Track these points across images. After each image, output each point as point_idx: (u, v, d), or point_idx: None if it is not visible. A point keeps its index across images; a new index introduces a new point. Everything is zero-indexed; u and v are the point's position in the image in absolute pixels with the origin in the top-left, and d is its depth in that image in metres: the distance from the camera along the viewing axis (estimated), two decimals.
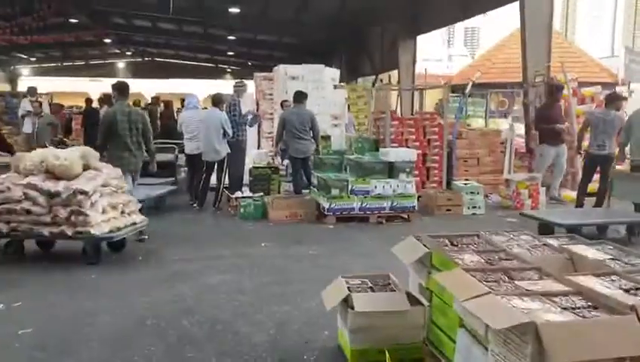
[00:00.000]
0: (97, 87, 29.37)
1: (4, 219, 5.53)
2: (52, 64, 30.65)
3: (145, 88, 32.02)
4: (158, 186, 8.98)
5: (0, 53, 26.38)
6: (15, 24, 19.67)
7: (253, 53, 26.78)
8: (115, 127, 6.56)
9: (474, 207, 8.49)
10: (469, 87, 10.48)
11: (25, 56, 28.27)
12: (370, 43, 20.08)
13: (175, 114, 19.79)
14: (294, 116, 8.78)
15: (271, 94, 11.66)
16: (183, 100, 12.10)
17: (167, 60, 31.44)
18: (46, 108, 11.99)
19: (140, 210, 6.25)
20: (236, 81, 9.71)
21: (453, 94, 17.55)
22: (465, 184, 8.77)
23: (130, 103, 7.34)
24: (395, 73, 18.20)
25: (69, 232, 5.45)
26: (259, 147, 11.76)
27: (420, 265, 3.21)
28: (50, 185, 5.48)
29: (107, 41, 25.23)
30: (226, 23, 20.35)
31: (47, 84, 31.08)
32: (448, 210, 8.36)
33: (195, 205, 8.93)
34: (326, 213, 7.86)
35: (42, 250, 6.11)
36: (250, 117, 9.30)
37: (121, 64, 32.96)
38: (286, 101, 10.10)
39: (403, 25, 16.51)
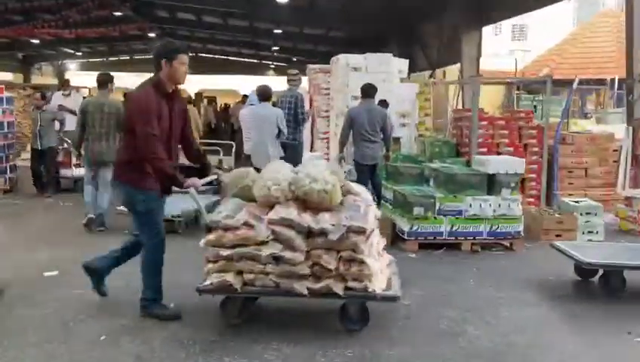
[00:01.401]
0: (140, 82, 28.12)
1: (234, 269, 3.70)
2: (98, 59, 29.53)
3: (187, 84, 30.70)
4: (199, 197, 7.23)
5: (47, 48, 25.39)
6: (60, 17, 18.51)
7: (298, 48, 24.93)
8: (85, 118, 6.54)
9: (590, 232, 6.45)
10: (575, 83, 8.34)
11: (72, 51, 27.16)
12: (425, 35, 17.96)
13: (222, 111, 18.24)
14: (364, 114, 6.89)
15: (327, 88, 9.78)
16: (245, 96, 10.56)
17: (211, 56, 29.88)
18: (75, 104, 10.34)
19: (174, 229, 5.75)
20: (289, 71, 7.88)
21: (519, 91, 15.33)
22: (576, 202, 6.70)
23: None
24: (450, 69, 16.15)
25: (338, 289, 3.58)
26: (311, 149, 9.93)
27: None
28: (310, 221, 3.62)
29: (151, 35, 23.82)
30: (273, 15, 18.56)
31: (92, 79, 30.12)
32: (558, 235, 6.32)
33: None
34: (406, 237, 5.96)
35: (247, 303, 4.02)
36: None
37: None
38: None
39: (467, 15, 14.34)
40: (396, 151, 7.94)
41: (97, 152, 6.50)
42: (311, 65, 10.30)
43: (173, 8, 20.01)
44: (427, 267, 5.45)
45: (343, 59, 8.94)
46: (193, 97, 21.85)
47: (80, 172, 9.14)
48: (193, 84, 29.44)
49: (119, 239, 6.17)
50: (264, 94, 7.10)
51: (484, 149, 7.38)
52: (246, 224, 3.66)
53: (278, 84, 31.57)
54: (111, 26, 20.81)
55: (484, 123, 7.58)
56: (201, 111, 20.48)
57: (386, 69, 8.77)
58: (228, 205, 3.97)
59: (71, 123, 10.23)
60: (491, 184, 5.98)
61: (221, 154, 8.16)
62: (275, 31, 21.13)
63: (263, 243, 3.62)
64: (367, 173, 6.99)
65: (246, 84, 29.82)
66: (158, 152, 3.77)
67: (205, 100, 24.70)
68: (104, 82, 6.75)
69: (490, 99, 15.84)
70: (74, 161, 9.38)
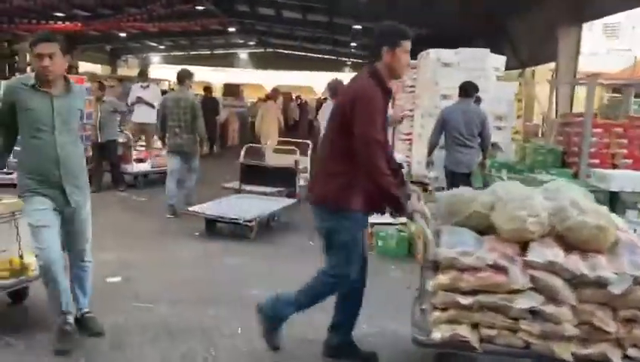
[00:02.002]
0: (220, 76, 28.29)
1: (471, 320, 2.82)
2: (180, 53, 29.95)
3: (265, 80, 30.56)
4: (271, 200, 6.67)
5: (133, 41, 25.96)
6: (145, 11, 18.74)
7: None
8: (165, 112, 6.89)
9: None
10: None
11: (155, 44, 27.65)
12: (515, 31, 16.60)
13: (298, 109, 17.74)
14: (459, 115, 6.03)
15: (412, 86, 8.93)
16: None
17: (288, 52, 29.56)
18: (155, 96, 10.07)
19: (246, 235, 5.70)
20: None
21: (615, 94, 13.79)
22: None
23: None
24: (539, 68, 14.79)
25: (615, 357, 2.67)
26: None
27: None
28: (583, 266, 2.72)
29: (231, 30, 23.76)
30: (353, 10, 17.85)
31: (173, 72, 30.63)
32: None
33: None
34: None
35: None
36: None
37: (243, 55, 31.61)
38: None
39: (565, 9, 12.95)
40: (491, 158, 7.00)
41: (179, 143, 6.82)
42: None
43: (253, 3, 19.75)
44: None
45: (433, 54, 8.08)
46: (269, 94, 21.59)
47: (140, 167, 9.05)
48: (271, 80, 29.32)
49: (194, 244, 5.81)
50: (336, 89, 6.40)
51: (597, 160, 6.32)
52: (494, 266, 2.76)
53: None
54: (192, 20, 20.93)
55: (599, 130, 6.49)
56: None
57: (481, 66, 7.82)
58: (454, 236, 3.01)
59: (148, 115, 10.05)
60: (613, 203, 4.97)
61: (298, 153, 7.53)
62: (355, 26, 20.41)
63: (516, 291, 2.74)
64: (458, 183, 6.11)
65: (321, 80, 29.32)
66: (382, 165, 2.94)
67: (281, 97, 24.27)
68: (182, 78, 7.02)
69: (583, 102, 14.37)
70: (134, 155, 9.12)
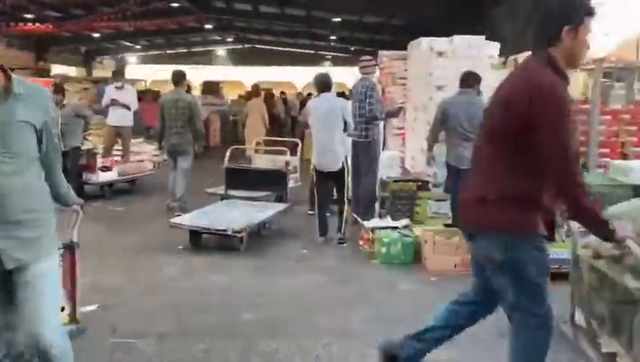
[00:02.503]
0: (197, 74, 27.44)
1: None
2: (156, 52, 29.00)
3: (244, 76, 29.78)
4: (261, 206, 6.08)
5: (108, 41, 25.01)
6: (119, 10, 17.88)
7: (356, 38, 23.47)
8: (163, 113, 6.89)
9: None
10: None
11: (131, 44, 26.69)
12: (498, 21, 16.15)
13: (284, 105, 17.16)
14: (462, 107, 5.51)
15: (404, 78, 8.38)
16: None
17: (267, 47, 28.83)
18: (130, 98, 9.38)
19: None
20: (362, 58, 6.55)
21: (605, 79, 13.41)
22: None
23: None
24: (524, 55, 14.32)
25: None
26: (383, 147, 8.57)
27: None
28: None
29: (208, 27, 22.96)
30: (332, 2, 17.22)
31: (149, 72, 29.66)
32: None
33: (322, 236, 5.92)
34: None
35: None
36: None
37: (221, 51, 30.77)
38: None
39: None
40: None
41: (173, 144, 6.86)
42: (384, 52, 8.91)
43: None
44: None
45: (425, 43, 7.53)
46: (249, 90, 20.87)
47: (106, 176, 8.07)
48: (250, 76, 28.57)
49: (177, 260, 5.21)
50: (323, 84, 5.83)
51: (606, 150, 5.86)
52: None
53: (334, 75, 30.39)
54: (168, 18, 20.16)
55: (607, 117, 6.02)
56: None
57: (476, 54, 7.30)
58: None
59: (123, 118, 9.35)
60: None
61: (288, 155, 6.96)
62: (334, 19, 19.80)
63: None
64: (460, 179, 5.61)
65: (301, 75, 28.65)
66: (583, 183, 2.31)
67: (263, 93, 23.57)
68: (177, 79, 7.03)
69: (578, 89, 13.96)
70: (100, 162, 8.14)
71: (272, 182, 6.40)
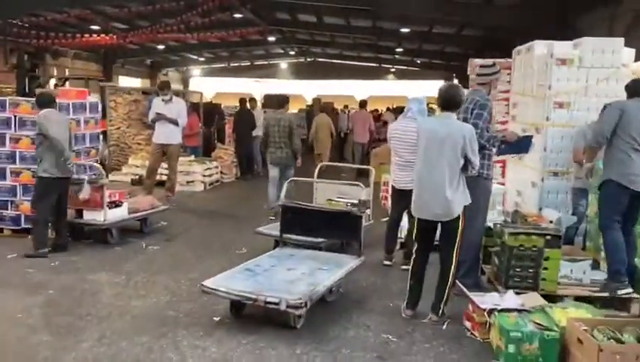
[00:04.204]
0: (261, 87, 26.33)
1: None
2: (220, 65, 28.10)
3: (304, 90, 28.37)
4: (328, 258, 4.36)
5: (173, 54, 24.31)
6: (181, 20, 16.86)
7: (423, 50, 21.52)
8: (267, 130, 7.42)
9: None
10: None
11: (195, 57, 25.90)
12: (588, 28, 13.77)
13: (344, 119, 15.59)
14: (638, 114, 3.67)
15: (506, 92, 6.46)
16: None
17: (329, 60, 27.29)
18: (178, 112, 7.91)
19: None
20: (483, 62, 4.74)
21: None
22: None
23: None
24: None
25: None
26: None
27: None
28: None
29: (271, 39, 21.71)
30: (401, 9, 15.38)
31: (212, 85, 28.82)
32: None
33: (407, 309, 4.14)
34: None
35: None
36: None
37: (283, 65, 29.52)
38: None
39: None
40: None
41: (278, 157, 7.32)
42: (476, 60, 7.02)
43: (294, 9, 17.58)
44: None
45: (540, 49, 5.58)
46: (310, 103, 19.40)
47: (116, 214, 5.89)
48: (311, 90, 27.13)
49: (210, 343, 3.68)
50: (447, 100, 3.98)
51: None
52: None
53: (398, 88, 28.42)
54: (231, 30, 19.05)
55: None
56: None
57: (611, 62, 5.31)
58: None
59: (170, 135, 7.91)
60: None
61: (362, 189, 5.19)
62: (402, 30, 17.97)
63: None
64: (626, 205, 3.84)
65: (363, 88, 26.89)
66: None
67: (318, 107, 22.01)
68: (282, 103, 7.56)
69: None
70: (107, 196, 5.76)
71: (341, 226, 4.62)
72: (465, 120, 4.28)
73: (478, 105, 4.36)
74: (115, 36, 17.87)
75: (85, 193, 5.49)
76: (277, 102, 7.78)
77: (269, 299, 3.64)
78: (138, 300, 4.31)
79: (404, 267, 5.06)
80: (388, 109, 19.41)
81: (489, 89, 4.62)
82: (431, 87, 20.81)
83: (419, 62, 23.52)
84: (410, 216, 4.45)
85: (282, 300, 3.60)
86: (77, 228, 5.79)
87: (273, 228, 5.40)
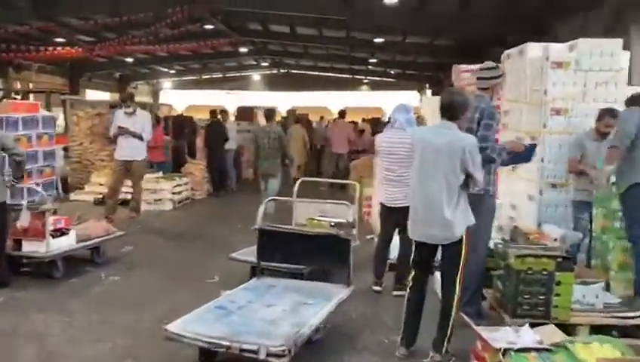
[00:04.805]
0: (234, 99, 25.70)
1: None
2: (191, 77, 27.31)
3: (278, 102, 27.80)
4: (312, 288, 3.77)
5: (142, 66, 23.46)
6: (150, 32, 16.13)
7: (397, 61, 21.27)
8: (257, 142, 7.54)
9: None
10: None
11: (165, 70, 25.08)
12: (564, 35, 13.58)
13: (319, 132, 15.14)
14: None
15: (497, 99, 5.98)
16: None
17: (302, 72, 26.82)
18: (142, 126, 7.23)
19: None
20: (481, 67, 4.25)
21: None
22: None
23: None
24: None
25: None
26: None
27: None
28: None
29: (243, 50, 21.13)
30: (375, 20, 15.02)
31: (184, 98, 28.03)
32: None
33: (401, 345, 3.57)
34: None
35: None
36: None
37: (256, 76, 28.89)
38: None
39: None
40: None
41: (266, 168, 7.31)
42: (461, 66, 6.57)
43: (265, 20, 17.04)
44: None
45: (534, 51, 5.15)
46: (285, 115, 18.84)
47: (62, 244, 5.00)
48: (285, 101, 26.57)
49: None
50: (450, 107, 3.44)
51: None
52: None
53: (372, 99, 28.13)
54: (202, 41, 18.38)
55: None
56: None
57: (610, 64, 4.90)
58: None
59: (134, 150, 7.22)
60: None
61: (349, 207, 4.60)
62: (376, 40, 17.63)
63: None
64: None
65: (337, 100, 26.47)
66: None
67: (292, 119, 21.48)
68: (269, 115, 7.75)
69: None
70: (50, 223, 4.89)
71: (327, 251, 4.03)
72: (469, 130, 3.75)
73: (485, 115, 3.87)
74: (81, 49, 17.05)
75: (24, 221, 4.71)
76: (265, 114, 7.93)
77: (244, 347, 3.01)
78: (91, 347, 3.62)
79: (395, 293, 4.52)
80: (363, 120, 19.02)
81: (491, 95, 4.13)
82: (404, 98, 20.57)
83: (392, 72, 23.24)
84: (402, 236, 3.92)
85: (261, 347, 2.98)
86: (16, 261, 4.91)
87: (249, 254, 4.78)
